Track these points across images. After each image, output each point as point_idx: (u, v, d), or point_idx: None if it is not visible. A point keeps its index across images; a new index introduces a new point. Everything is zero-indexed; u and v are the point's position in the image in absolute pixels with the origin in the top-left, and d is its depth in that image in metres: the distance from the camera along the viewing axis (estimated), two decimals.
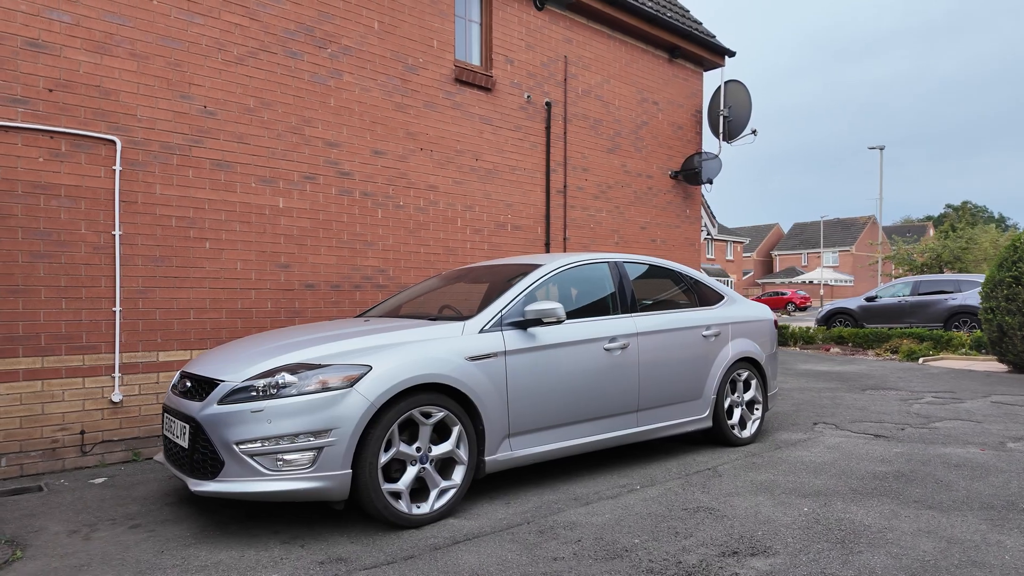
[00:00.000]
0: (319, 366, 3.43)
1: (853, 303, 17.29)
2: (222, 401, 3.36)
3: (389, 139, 6.58)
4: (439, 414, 3.64)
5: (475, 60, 7.52)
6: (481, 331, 3.96)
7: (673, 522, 3.62)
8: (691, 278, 5.53)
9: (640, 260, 5.25)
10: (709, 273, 46.66)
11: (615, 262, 4.97)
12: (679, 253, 9.95)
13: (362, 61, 6.38)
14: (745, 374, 5.53)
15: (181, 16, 5.29)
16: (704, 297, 5.51)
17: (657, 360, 4.81)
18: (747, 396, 5.57)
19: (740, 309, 5.69)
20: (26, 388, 4.62)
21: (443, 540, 3.36)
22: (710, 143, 10.65)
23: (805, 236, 65.82)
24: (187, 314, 5.32)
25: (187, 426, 3.49)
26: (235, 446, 3.26)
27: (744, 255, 63.45)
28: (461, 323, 3.95)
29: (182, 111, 5.30)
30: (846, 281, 56.39)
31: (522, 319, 4.12)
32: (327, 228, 6.14)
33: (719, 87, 10.00)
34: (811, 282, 52.53)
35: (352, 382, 3.39)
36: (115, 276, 4.96)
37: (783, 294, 44.94)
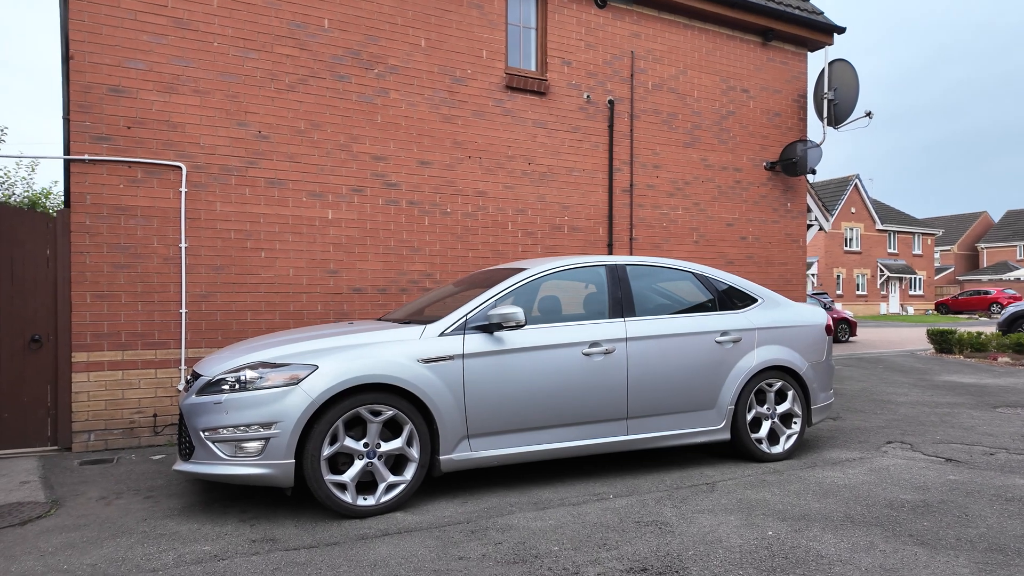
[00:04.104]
0: (276, 365, 3.80)
1: None
2: (199, 393, 3.85)
3: (436, 149, 6.90)
4: (388, 412, 3.85)
5: (531, 65, 7.61)
6: (441, 334, 4.10)
7: (611, 534, 3.50)
8: (714, 280, 5.19)
9: (650, 263, 5.04)
10: (890, 269, 41.75)
11: (613, 265, 4.84)
12: (777, 250, 9.22)
13: (408, 78, 6.76)
14: (778, 384, 5.09)
15: (238, 53, 6.02)
16: (728, 301, 5.15)
17: (653, 366, 4.61)
18: (780, 409, 5.11)
19: (776, 313, 5.24)
20: (109, 377, 5.56)
21: (374, 532, 3.57)
22: (815, 131, 9.72)
23: (1021, 225, 56.40)
24: (244, 316, 6.04)
25: (179, 414, 4.04)
26: (201, 432, 3.73)
27: (942, 249, 55.90)
28: (422, 327, 4.13)
29: (239, 137, 6.03)
30: None
31: (487, 323, 4.20)
32: (374, 236, 6.60)
33: (823, 69, 9.10)
34: None
35: (298, 380, 3.71)
36: (181, 283, 5.78)
37: (987, 293, 38.96)
